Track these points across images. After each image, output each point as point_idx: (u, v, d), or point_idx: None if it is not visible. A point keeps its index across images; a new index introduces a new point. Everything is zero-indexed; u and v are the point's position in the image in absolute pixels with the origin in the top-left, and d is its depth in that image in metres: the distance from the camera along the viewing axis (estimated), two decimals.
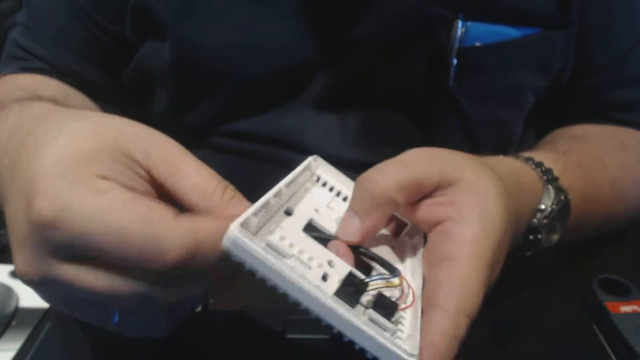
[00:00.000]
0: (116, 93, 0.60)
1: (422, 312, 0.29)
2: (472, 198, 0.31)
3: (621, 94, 0.57)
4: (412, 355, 0.25)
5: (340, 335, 0.26)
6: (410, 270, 0.32)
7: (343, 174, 0.37)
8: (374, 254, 0.32)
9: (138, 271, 0.26)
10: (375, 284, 0.29)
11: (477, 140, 0.58)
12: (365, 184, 0.31)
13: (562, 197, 0.41)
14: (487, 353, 0.41)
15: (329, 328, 0.26)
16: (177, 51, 0.53)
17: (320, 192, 0.36)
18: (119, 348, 0.41)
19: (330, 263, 0.29)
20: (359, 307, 0.28)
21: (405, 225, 0.35)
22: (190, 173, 0.29)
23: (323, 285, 0.27)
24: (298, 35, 0.52)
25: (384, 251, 0.33)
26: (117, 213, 0.25)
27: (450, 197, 0.31)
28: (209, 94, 0.56)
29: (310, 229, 0.32)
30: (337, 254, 0.30)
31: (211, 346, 0.41)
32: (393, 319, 0.28)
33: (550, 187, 0.41)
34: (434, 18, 0.51)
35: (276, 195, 0.31)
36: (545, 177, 0.41)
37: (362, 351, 0.26)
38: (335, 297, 0.26)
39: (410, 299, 0.30)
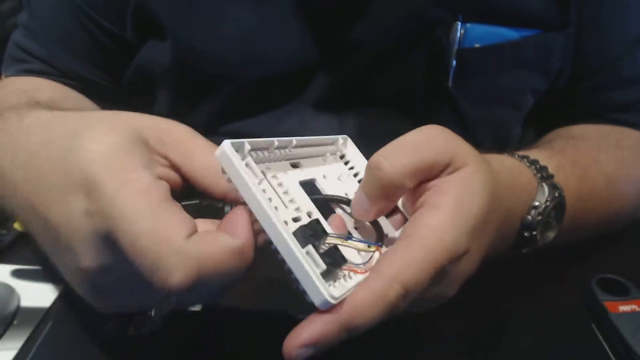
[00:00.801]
0: (117, 94, 0.60)
1: None
2: (456, 187, 0.31)
3: (617, 95, 0.57)
4: (332, 297, 0.26)
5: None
6: None
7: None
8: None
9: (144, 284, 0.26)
10: (347, 243, 0.30)
11: (476, 140, 0.57)
12: (373, 171, 0.31)
13: (557, 194, 0.41)
14: (487, 352, 0.41)
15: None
16: (177, 53, 0.53)
17: (337, 165, 0.37)
18: (120, 347, 0.41)
19: (309, 214, 0.31)
20: (308, 247, 0.28)
21: None
22: (201, 156, 0.30)
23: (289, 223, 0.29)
24: (298, 37, 0.52)
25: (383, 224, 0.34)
26: (140, 216, 0.26)
27: (439, 182, 0.31)
28: (209, 96, 0.56)
29: (309, 186, 0.33)
30: (332, 224, 0.32)
31: (212, 346, 0.41)
32: (337, 271, 0.28)
33: (544, 184, 0.41)
34: (433, 20, 0.51)
35: (285, 144, 0.33)
36: (539, 175, 0.41)
37: (297, 284, 0.27)
38: (286, 226, 0.27)
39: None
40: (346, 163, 0.38)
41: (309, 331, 0.26)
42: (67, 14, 0.54)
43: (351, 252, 0.30)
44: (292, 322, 0.27)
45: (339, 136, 0.39)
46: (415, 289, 0.27)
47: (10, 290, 0.46)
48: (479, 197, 0.31)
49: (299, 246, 0.26)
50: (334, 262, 0.28)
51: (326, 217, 0.33)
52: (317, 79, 0.55)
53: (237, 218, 0.28)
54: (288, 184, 0.32)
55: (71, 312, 0.45)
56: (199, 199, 0.32)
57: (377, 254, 0.31)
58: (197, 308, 0.42)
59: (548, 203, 0.40)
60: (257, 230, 0.28)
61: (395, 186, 0.31)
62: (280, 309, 0.39)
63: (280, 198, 0.30)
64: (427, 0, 0.50)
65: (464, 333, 0.42)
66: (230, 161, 0.27)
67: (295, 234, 0.28)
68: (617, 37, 0.55)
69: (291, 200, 0.31)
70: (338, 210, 0.35)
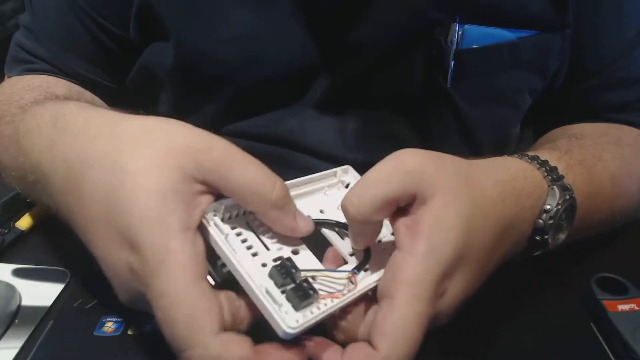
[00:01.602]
0: (120, 95, 0.60)
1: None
2: (428, 230, 0.32)
3: (615, 95, 0.58)
4: (289, 327, 0.29)
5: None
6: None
7: None
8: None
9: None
10: (319, 274, 0.33)
11: (474, 140, 0.58)
12: (344, 210, 0.33)
13: (567, 197, 0.40)
14: (486, 351, 0.42)
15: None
16: (180, 54, 0.53)
17: (340, 193, 0.40)
18: (120, 347, 0.41)
19: (295, 252, 0.34)
20: (270, 286, 0.31)
21: None
22: (238, 176, 0.31)
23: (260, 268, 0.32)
24: (299, 38, 0.52)
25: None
26: (178, 302, 0.29)
27: (413, 219, 0.33)
28: (211, 96, 0.56)
29: None
30: (327, 257, 0.36)
31: None
32: (310, 302, 0.31)
33: (555, 186, 0.40)
34: (431, 21, 0.51)
35: None
36: (549, 177, 0.41)
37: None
38: (248, 272, 0.30)
39: (346, 294, 0.32)
40: (347, 187, 0.40)
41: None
42: (70, 15, 0.55)
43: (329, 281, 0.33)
44: None
45: (339, 168, 0.42)
46: (410, 356, 0.31)
47: (11, 290, 0.46)
48: (453, 235, 0.32)
49: (260, 287, 0.30)
50: (304, 294, 0.30)
51: (323, 249, 0.36)
52: (317, 80, 0.55)
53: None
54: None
55: (72, 311, 0.45)
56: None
57: (362, 275, 0.34)
58: None
59: (559, 206, 0.40)
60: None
61: (365, 222, 0.33)
62: None
63: (264, 242, 0.34)
64: (426, 1, 0.50)
65: (463, 333, 0.42)
66: (205, 228, 0.32)
67: (270, 274, 0.31)
68: (614, 38, 0.55)
69: (276, 242, 0.34)
70: (334, 241, 0.37)
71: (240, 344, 0.29)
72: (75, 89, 0.56)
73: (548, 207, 0.40)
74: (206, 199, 0.32)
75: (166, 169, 0.30)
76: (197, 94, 0.57)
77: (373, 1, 0.51)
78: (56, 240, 0.55)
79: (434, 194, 0.33)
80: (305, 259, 0.34)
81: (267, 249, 0.34)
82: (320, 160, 0.57)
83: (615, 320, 0.42)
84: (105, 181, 0.31)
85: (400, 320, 0.30)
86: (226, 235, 0.32)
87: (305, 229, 0.34)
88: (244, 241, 0.33)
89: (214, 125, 0.58)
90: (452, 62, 0.51)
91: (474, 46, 0.51)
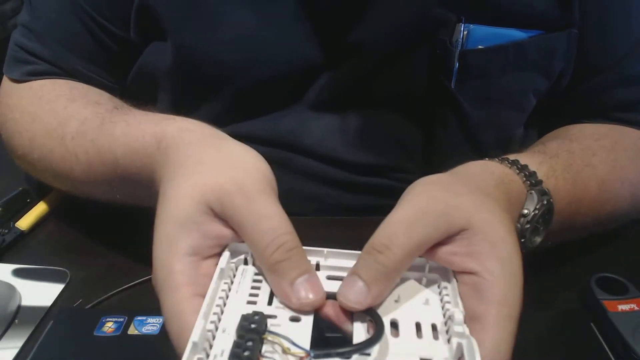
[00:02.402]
0: (121, 95, 0.60)
1: None
2: (489, 247, 0.31)
3: (621, 94, 0.57)
4: None
5: None
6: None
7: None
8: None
9: None
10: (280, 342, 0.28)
11: (478, 141, 0.58)
12: (376, 256, 0.30)
13: (545, 201, 0.41)
14: None
15: None
16: (178, 54, 0.53)
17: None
18: (120, 347, 0.41)
19: (294, 318, 0.30)
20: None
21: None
22: (248, 228, 0.31)
23: None
24: (300, 38, 0.52)
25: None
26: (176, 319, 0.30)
27: (466, 247, 0.31)
28: (211, 97, 0.56)
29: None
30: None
31: None
32: None
33: (533, 191, 0.41)
34: (436, 21, 0.51)
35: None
36: (528, 182, 0.41)
37: None
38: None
39: None
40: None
41: None
42: (71, 15, 0.54)
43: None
44: None
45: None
46: None
47: (11, 290, 0.46)
48: (512, 246, 0.32)
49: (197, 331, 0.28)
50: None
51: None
52: (319, 80, 0.55)
53: None
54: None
55: (72, 311, 0.45)
56: None
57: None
58: None
59: (536, 211, 0.40)
60: None
61: (401, 267, 0.31)
62: None
63: (272, 297, 0.31)
64: (430, 1, 0.50)
65: None
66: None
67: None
68: (621, 35, 0.55)
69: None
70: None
71: None
72: (81, 90, 0.56)
73: (525, 211, 0.40)
74: (227, 233, 0.33)
75: (193, 201, 0.33)
76: (197, 95, 0.57)
77: (376, 0, 0.51)
78: (56, 240, 0.55)
79: (469, 217, 0.32)
80: (299, 330, 0.29)
81: (269, 303, 0.31)
82: (320, 162, 0.56)
83: (615, 320, 0.42)
84: (158, 206, 0.35)
85: (496, 341, 0.29)
86: (220, 270, 0.32)
87: (303, 300, 0.30)
88: (254, 287, 0.32)
89: (214, 126, 0.58)
90: (457, 63, 0.51)
91: (479, 47, 0.51)
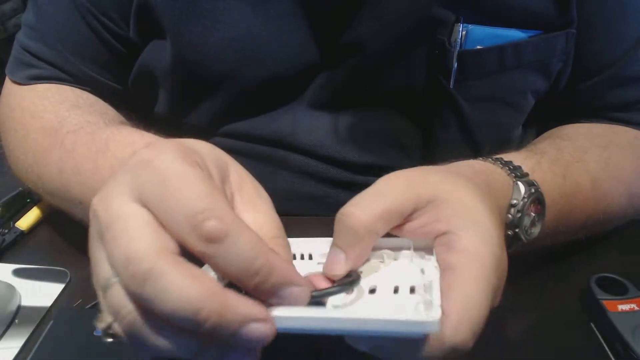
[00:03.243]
0: (122, 95, 0.60)
1: None
2: (454, 210, 0.32)
3: (619, 94, 0.57)
4: (431, 317, 0.26)
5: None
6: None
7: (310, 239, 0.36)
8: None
9: None
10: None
11: (477, 141, 0.58)
12: (345, 220, 0.32)
13: (533, 190, 0.41)
14: (486, 351, 0.41)
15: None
16: (177, 53, 0.53)
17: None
18: (120, 347, 0.41)
19: None
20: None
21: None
22: (252, 221, 0.30)
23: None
24: (298, 37, 0.52)
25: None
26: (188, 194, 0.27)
27: (434, 214, 0.32)
28: (210, 96, 0.56)
29: None
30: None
31: None
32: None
33: (519, 182, 0.41)
34: (434, 21, 0.51)
35: None
36: (513, 174, 0.42)
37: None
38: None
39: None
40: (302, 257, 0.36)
41: None
42: (77, 17, 0.54)
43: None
44: None
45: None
46: (480, 324, 0.29)
47: (11, 290, 0.46)
48: (487, 211, 0.32)
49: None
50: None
51: None
52: (317, 80, 0.55)
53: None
54: None
55: (72, 311, 0.45)
56: None
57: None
58: None
59: (526, 199, 0.40)
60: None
61: (368, 231, 0.32)
62: None
63: None
64: (429, 0, 0.50)
65: None
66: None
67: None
68: (619, 37, 0.55)
69: None
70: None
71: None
72: (87, 100, 0.56)
73: (514, 201, 0.40)
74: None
75: (213, 149, 0.32)
76: (195, 94, 0.57)
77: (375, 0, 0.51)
78: (56, 240, 0.55)
79: (436, 190, 0.33)
80: None
81: None
82: (319, 162, 0.57)
83: (615, 320, 0.42)
84: None
85: (468, 286, 0.29)
86: None
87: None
88: None
89: (212, 126, 0.58)
90: (455, 63, 0.51)
91: (478, 47, 0.51)
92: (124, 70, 0.58)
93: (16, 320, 0.44)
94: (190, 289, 0.25)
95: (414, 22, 0.51)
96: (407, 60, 0.53)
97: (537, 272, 0.50)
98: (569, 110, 0.60)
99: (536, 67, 0.55)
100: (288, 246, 0.31)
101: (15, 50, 0.58)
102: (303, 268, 0.33)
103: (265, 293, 0.27)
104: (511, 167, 0.42)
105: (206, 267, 0.28)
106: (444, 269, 0.30)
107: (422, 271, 0.32)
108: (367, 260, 0.33)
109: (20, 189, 0.58)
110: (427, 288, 0.30)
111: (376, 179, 0.35)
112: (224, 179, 0.31)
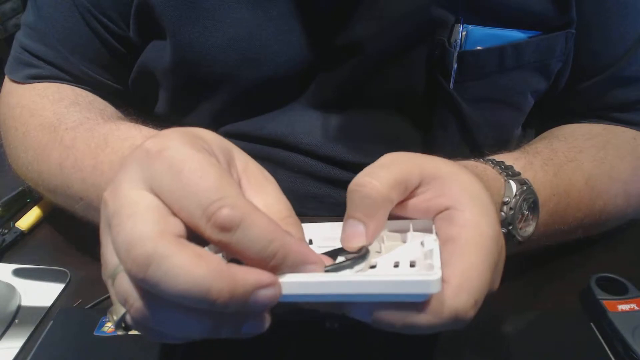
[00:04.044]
0: (122, 95, 0.60)
1: None
2: (458, 187, 0.32)
3: (619, 94, 0.57)
4: (435, 274, 0.27)
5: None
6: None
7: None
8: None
9: None
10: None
11: (476, 141, 0.58)
12: (361, 190, 0.31)
13: (525, 188, 0.41)
14: (486, 351, 0.42)
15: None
16: (177, 53, 0.53)
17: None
18: (120, 347, 0.41)
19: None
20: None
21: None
22: (262, 204, 0.30)
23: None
24: (298, 38, 0.52)
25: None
26: (196, 177, 0.27)
27: (439, 190, 0.32)
28: (209, 96, 0.56)
29: None
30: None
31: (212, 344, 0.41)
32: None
33: (511, 181, 0.42)
34: (434, 21, 0.51)
35: None
36: (505, 173, 0.42)
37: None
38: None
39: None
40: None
41: None
42: (75, 15, 0.54)
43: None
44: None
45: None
46: (481, 292, 0.29)
47: (11, 290, 0.46)
48: (480, 186, 0.33)
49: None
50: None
51: None
52: (317, 80, 0.55)
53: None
54: None
55: (72, 311, 0.45)
56: None
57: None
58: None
59: (517, 197, 0.41)
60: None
61: (385, 199, 0.31)
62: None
63: None
64: (429, 1, 0.50)
65: (463, 332, 0.43)
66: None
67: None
68: (619, 37, 0.55)
69: None
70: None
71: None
72: (86, 98, 0.56)
73: (507, 199, 0.41)
74: None
75: (217, 137, 0.32)
76: (195, 94, 0.57)
77: (374, 0, 0.51)
78: (56, 240, 0.55)
79: (439, 167, 0.33)
80: None
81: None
82: (319, 162, 0.57)
83: (615, 320, 0.42)
84: None
85: (469, 256, 0.29)
86: None
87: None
88: None
89: (212, 125, 0.58)
90: (455, 64, 0.51)
91: (478, 47, 0.51)
92: (124, 71, 0.58)
93: (16, 320, 0.44)
94: (198, 270, 0.25)
95: (413, 23, 0.51)
96: (407, 61, 0.53)
97: (537, 272, 0.50)
98: (569, 110, 0.60)
99: (536, 67, 0.55)
100: (299, 224, 0.31)
101: (15, 49, 0.58)
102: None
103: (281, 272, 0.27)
104: (502, 167, 0.43)
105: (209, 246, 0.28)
106: (445, 241, 0.31)
107: (422, 244, 0.32)
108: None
109: (20, 188, 0.58)
110: (427, 255, 0.30)
111: None
112: (230, 163, 0.31)
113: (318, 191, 0.57)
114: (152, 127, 0.47)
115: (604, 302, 0.44)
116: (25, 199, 0.58)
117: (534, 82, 0.56)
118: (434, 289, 0.27)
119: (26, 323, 0.44)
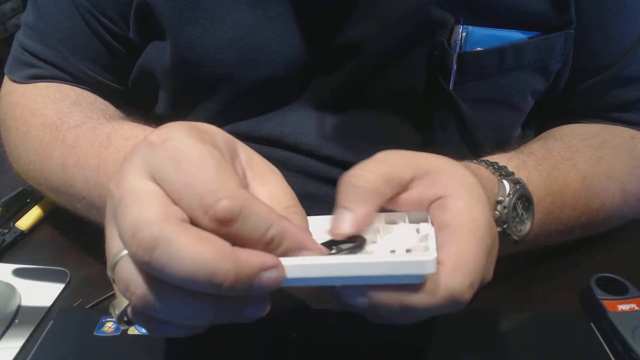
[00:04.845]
0: (122, 95, 0.60)
1: None
2: (451, 178, 0.33)
3: (618, 94, 0.57)
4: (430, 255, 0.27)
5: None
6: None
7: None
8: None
9: None
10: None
11: (476, 142, 0.58)
12: (353, 180, 0.32)
13: (518, 187, 0.42)
14: (485, 351, 0.42)
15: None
16: (177, 53, 0.53)
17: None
18: (120, 347, 0.41)
19: None
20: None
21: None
22: (267, 194, 0.31)
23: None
24: (297, 38, 0.52)
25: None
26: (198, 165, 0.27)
27: (431, 181, 0.33)
28: (209, 96, 0.56)
29: None
30: None
31: (212, 344, 0.41)
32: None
33: (504, 180, 0.42)
34: (434, 22, 0.51)
35: None
36: (498, 173, 0.43)
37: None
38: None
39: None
40: None
41: None
42: (74, 14, 0.54)
43: None
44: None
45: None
46: (476, 276, 0.29)
47: (11, 290, 0.46)
48: (472, 177, 0.33)
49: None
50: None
51: None
52: (316, 80, 0.55)
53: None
54: None
55: (72, 311, 0.45)
56: None
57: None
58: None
59: (511, 196, 0.41)
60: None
61: (376, 191, 0.32)
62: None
63: None
64: (428, 1, 0.50)
65: (463, 332, 0.43)
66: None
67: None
68: (618, 37, 0.55)
69: None
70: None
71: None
72: (88, 98, 0.57)
73: (500, 198, 0.41)
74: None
75: (220, 131, 0.32)
76: (194, 94, 0.57)
77: (373, 0, 0.51)
78: (56, 240, 0.55)
79: (431, 162, 0.34)
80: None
81: None
82: (319, 162, 0.56)
83: (615, 320, 0.42)
84: None
85: (462, 242, 0.30)
86: None
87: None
88: None
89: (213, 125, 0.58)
90: (455, 65, 0.51)
91: (478, 48, 0.51)
92: (124, 71, 0.58)
93: (16, 320, 0.44)
94: (204, 252, 0.25)
95: (413, 24, 0.51)
96: (407, 61, 0.53)
97: (537, 272, 0.50)
98: (569, 110, 0.60)
99: (535, 68, 0.55)
100: (304, 214, 0.31)
101: (15, 49, 0.58)
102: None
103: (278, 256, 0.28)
104: (496, 167, 0.43)
105: None
106: (439, 227, 0.31)
107: (417, 230, 0.33)
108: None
109: (20, 188, 0.58)
110: (423, 239, 0.31)
111: None
112: (234, 156, 0.31)
113: (318, 191, 0.57)
114: (155, 128, 0.47)
115: (604, 302, 0.44)
116: (25, 199, 0.58)
117: (533, 83, 0.56)
118: (429, 269, 0.27)
119: (26, 323, 0.44)
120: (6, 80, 0.58)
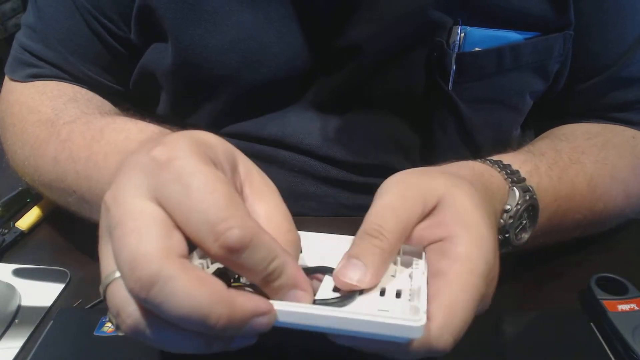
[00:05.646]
0: (122, 96, 0.60)
1: None
2: (454, 216, 0.32)
3: (618, 94, 0.58)
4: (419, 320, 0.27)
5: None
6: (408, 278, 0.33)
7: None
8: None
9: None
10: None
11: (475, 142, 0.58)
12: (374, 240, 0.31)
13: (528, 197, 0.41)
14: (485, 351, 0.42)
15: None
16: (178, 55, 0.53)
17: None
18: (120, 347, 0.41)
19: None
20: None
21: None
22: (263, 213, 0.30)
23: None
24: (298, 40, 0.52)
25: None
26: (205, 195, 0.27)
27: (435, 220, 0.33)
28: (210, 97, 0.56)
29: None
30: None
31: None
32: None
33: (515, 188, 0.41)
34: (433, 23, 0.51)
35: None
36: (510, 179, 0.42)
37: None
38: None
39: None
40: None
41: None
42: (77, 18, 0.54)
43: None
44: None
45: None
46: (462, 328, 0.30)
47: (11, 290, 0.46)
48: (482, 215, 0.33)
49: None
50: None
51: None
52: (317, 81, 0.55)
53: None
54: None
55: (72, 311, 0.45)
56: None
57: None
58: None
59: (519, 206, 0.41)
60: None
61: (395, 250, 0.32)
62: None
63: None
64: (427, 2, 0.50)
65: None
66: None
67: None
68: (617, 38, 0.55)
69: None
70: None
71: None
72: (85, 95, 0.57)
73: (508, 207, 0.41)
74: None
75: (222, 141, 0.32)
76: (196, 95, 0.57)
77: (373, 1, 0.51)
78: (56, 240, 0.55)
79: (441, 195, 0.33)
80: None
81: None
82: (320, 162, 0.57)
83: (615, 320, 0.42)
84: None
85: (456, 292, 0.29)
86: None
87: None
88: None
89: (213, 126, 0.58)
90: (454, 65, 0.51)
91: (476, 49, 0.51)
92: (125, 72, 0.58)
93: (16, 320, 0.44)
94: (199, 295, 0.25)
95: (412, 25, 0.51)
96: (406, 62, 0.53)
97: (537, 272, 0.50)
98: (568, 110, 0.60)
99: (534, 68, 0.55)
100: (298, 242, 0.31)
101: (15, 49, 0.58)
102: (307, 261, 0.34)
103: (271, 291, 0.28)
104: (509, 172, 0.42)
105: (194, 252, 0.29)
106: (434, 274, 0.31)
107: (410, 276, 0.33)
108: None
109: (20, 188, 0.58)
110: (414, 293, 0.31)
111: (376, 179, 0.35)
112: (234, 169, 0.31)
113: (318, 191, 0.57)
114: (149, 122, 0.46)
115: (604, 302, 0.44)
116: (25, 199, 0.58)
117: (532, 83, 0.56)
118: (417, 335, 0.27)
119: (26, 323, 0.44)
120: (6, 79, 0.58)
